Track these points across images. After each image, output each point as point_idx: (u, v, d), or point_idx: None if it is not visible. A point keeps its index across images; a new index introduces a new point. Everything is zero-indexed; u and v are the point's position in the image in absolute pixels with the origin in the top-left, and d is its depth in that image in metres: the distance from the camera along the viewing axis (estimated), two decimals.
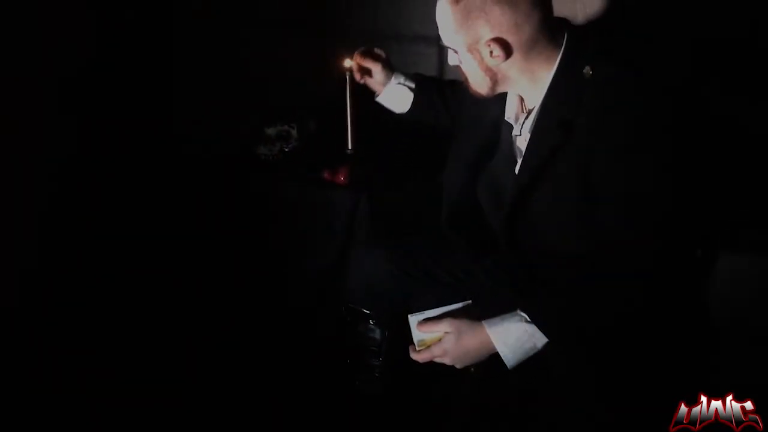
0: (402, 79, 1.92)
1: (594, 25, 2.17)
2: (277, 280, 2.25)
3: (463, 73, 1.53)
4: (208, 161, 2.42)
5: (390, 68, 1.93)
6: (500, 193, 1.62)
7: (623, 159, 1.37)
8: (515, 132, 1.57)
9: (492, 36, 1.40)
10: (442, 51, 2.39)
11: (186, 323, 2.31)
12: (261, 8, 2.60)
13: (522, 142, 1.55)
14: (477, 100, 1.58)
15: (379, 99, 1.97)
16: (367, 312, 1.80)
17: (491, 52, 1.42)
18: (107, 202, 2.46)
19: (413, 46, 2.46)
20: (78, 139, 2.39)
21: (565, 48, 1.44)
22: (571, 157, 1.42)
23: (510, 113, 1.59)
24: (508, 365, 1.44)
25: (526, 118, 1.53)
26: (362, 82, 1.96)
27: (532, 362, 1.45)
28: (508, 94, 1.58)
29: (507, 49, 1.41)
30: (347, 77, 2.15)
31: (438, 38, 2.33)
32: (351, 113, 2.20)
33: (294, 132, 2.36)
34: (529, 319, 1.41)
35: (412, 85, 1.92)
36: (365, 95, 2.17)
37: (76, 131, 2.38)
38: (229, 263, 2.30)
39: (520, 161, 1.54)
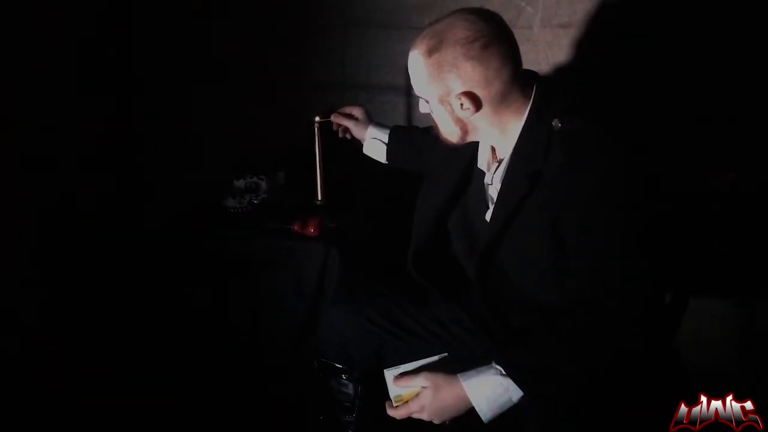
0: (375, 133, 2.01)
1: (558, 73, 2.21)
2: (247, 334, 2.21)
3: (434, 121, 1.54)
4: (176, 214, 2.39)
5: (366, 123, 2.03)
6: (473, 240, 1.62)
7: (592, 213, 1.37)
8: (487, 180, 1.58)
9: (463, 90, 1.42)
10: (411, 100, 2.42)
11: (157, 378, 2.27)
12: (229, 60, 2.60)
13: (493, 191, 1.56)
14: (447, 152, 1.59)
15: (364, 151, 2.06)
16: (340, 366, 1.77)
17: (462, 105, 1.44)
18: (75, 260, 2.42)
19: (382, 96, 2.48)
20: (46, 193, 2.36)
21: (533, 101, 1.46)
22: (540, 207, 1.43)
23: (482, 161, 1.60)
24: (483, 419, 1.42)
25: (497, 167, 1.54)
26: (348, 137, 2.08)
27: (508, 416, 1.42)
28: (480, 143, 1.59)
29: (477, 103, 1.43)
30: (316, 129, 2.16)
31: (407, 88, 2.39)
32: (320, 165, 2.21)
33: (263, 184, 2.34)
34: (504, 373, 1.39)
35: (384, 139, 2.00)
36: (335, 147, 2.18)
37: (45, 185, 2.36)
38: (198, 318, 2.26)
39: (492, 208, 1.54)
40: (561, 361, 1.39)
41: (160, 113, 2.67)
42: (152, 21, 2.60)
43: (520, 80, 1.45)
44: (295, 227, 2.16)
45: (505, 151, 1.50)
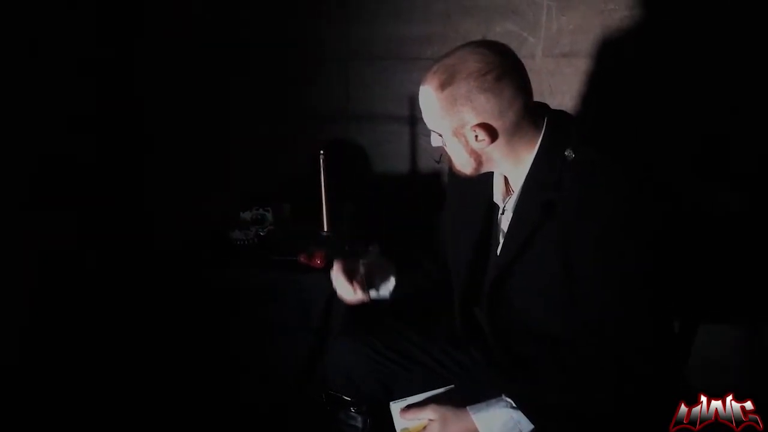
0: (375, 294, 1.77)
1: (562, 101, 2.22)
2: (253, 367, 2.20)
3: (446, 154, 1.54)
4: (182, 246, 2.39)
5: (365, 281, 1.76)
6: (483, 269, 1.61)
7: (602, 245, 1.37)
8: (500, 212, 1.58)
9: (477, 122, 1.42)
10: (416, 130, 2.43)
11: (161, 411, 2.26)
12: (233, 91, 2.62)
13: (505, 221, 1.55)
14: (465, 187, 1.60)
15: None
16: (348, 399, 1.76)
17: (476, 137, 1.44)
18: (78, 292, 2.42)
19: (387, 126, 2.49)
20: (50, 223, 2.37)
21: (545, 131, 1.47)
22: (552, 237, 1.42)
23: (497, 194, 1.60)
24: None
25: (509, 197, 1.54)
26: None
27: None
28: (494, 177, 1.59)
29: (492, 134, 1.43)
30: (321, 160, 2.17)
31: (411, 119, 2.41)
32: (325, 196, 2.21)
33: (269, 216, 2.35)
34: (514, 405, 1.38)
35: (386, 296, 1.78)
36: (340, 178, 2.18)
37: (50, 214, 2.36)
38: (204, 351, 2.25)
39: (502, 241, 1.54)
40: (571, 394, 1.38)
41: (166, 146, 2.68)
42: (156, 52, 2.62)
43: (532, 111, 1.46)
44: (301, 259, 2.16)
45: (518, 182, 1.51)
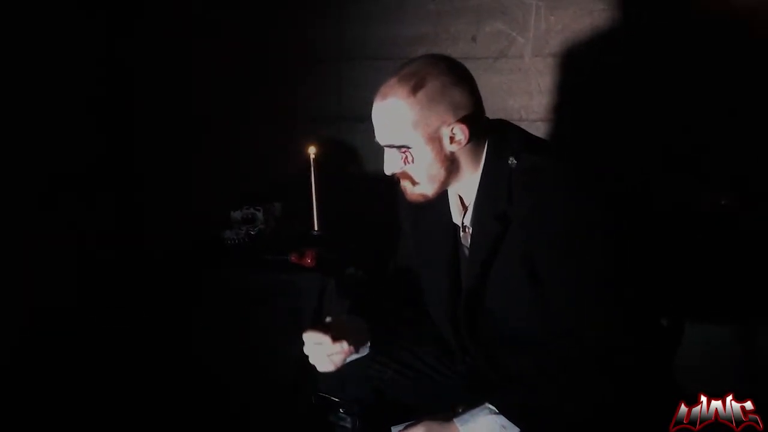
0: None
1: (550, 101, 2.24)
2: (245, 368, 2.20)
3: (407, 177, 1.50)
4: (175, 247, 2.39)
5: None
6: (458, 284, 1.61)
7: (562, 249, 1.38)
8: (460, 229, 1.58)
9: (455, 118, 1.43)
10: None
11: (154, 412, 2.27)
12: (228, 91, 2.62)
13: (466, 238, 1.56)
14: (422, 218, 1.60)
15: None
16: (338, 400, 1.76)
17: (452, 138, 1.44)
18: (73, 295, 2.43)
19: None
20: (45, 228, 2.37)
21: (488, 140, 1.48)
22: (513, 246, 1.43)
23: (455, 215, 1.59)
24: None
25: (466, 213, 1.55)
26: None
27: None
28: (450, 199, 1.59)
29: (469, 128, 1.43)
30: (311, 160, 2.17)
31: None
32: (316, 195, 2.22)
33: (260, 215, 2.35)
34: (496, 411, 1.40)
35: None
36: (330, 178, 2.18)
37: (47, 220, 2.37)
38: (194, 352, 2.25)
39: (467, 257, 1.55)
40: (551, 394, 1.39)
41: (158, 146, 2.68)
42: (155, 51, 2.62)
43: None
44: (292, 258, 2.16)
45: (472, 196, 1.51)
